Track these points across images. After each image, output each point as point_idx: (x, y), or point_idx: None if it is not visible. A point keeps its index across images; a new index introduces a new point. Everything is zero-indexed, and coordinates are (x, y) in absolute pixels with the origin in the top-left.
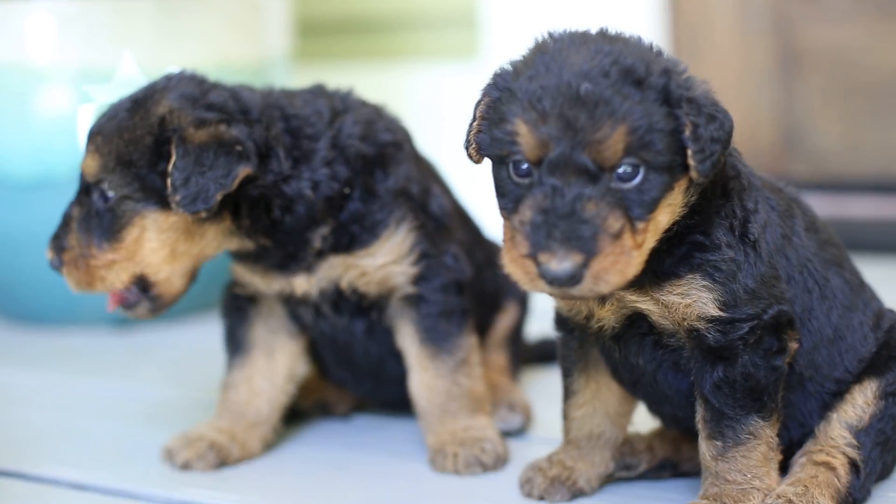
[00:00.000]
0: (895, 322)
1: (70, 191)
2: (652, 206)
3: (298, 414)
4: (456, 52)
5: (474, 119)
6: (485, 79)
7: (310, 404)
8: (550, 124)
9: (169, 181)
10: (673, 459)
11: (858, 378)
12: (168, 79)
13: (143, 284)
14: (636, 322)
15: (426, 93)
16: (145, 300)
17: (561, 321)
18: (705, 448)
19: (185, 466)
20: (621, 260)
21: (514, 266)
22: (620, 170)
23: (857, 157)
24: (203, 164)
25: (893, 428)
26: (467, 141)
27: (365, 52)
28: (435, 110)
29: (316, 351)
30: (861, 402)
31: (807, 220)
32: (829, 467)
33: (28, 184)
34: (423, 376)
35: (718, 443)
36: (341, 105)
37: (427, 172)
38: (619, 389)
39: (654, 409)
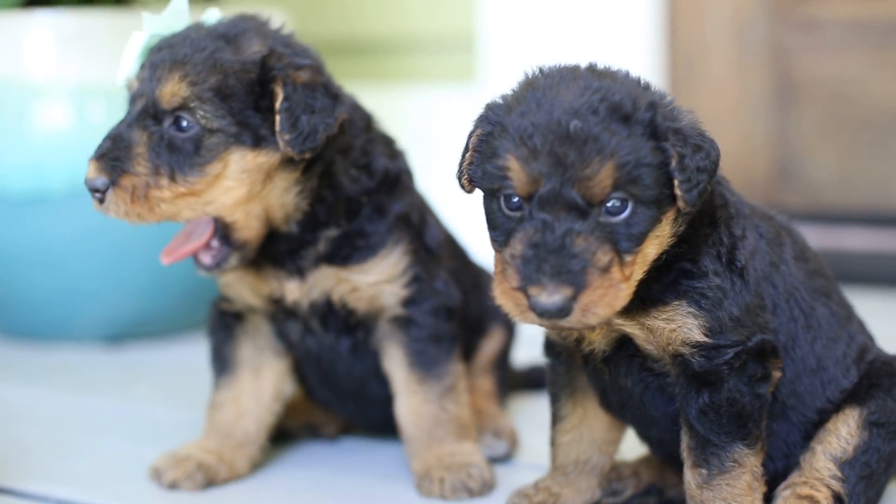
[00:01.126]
0: (878, 355)
1: (67, 207)
2: (640, 240)
3: (286, 435)
4: (453, 75)
5: (467, 150)
6: (480, 105)
7: (298, 425)
8: (541, 161)
9: (277, 119)
10: (658, 485)
11: (839, 406)
12: (245, 20)
13: (223, 233)
14: (625, 344)
15: (423, 115)
16: (233, 251)
17: (550, 346)
18: (690, 476)
19: (173, 486)
20: (610, 293)
21: (504, 298)
22: (609, 204)
23: (851, 189)
24: (311, 105)
25: (878, 461)
26: (460, 171)
27: (363, 73)
28: (432, 133)
29: (300, 371)
30: (845, 433)
31: (796, 248)
32: (814, 501)
33: (24, 199)
34: (411, 401)
35: (703, 470)
36: (372, 120)
37: (423, 204)
38: (606, 416)
39: (642, 432)
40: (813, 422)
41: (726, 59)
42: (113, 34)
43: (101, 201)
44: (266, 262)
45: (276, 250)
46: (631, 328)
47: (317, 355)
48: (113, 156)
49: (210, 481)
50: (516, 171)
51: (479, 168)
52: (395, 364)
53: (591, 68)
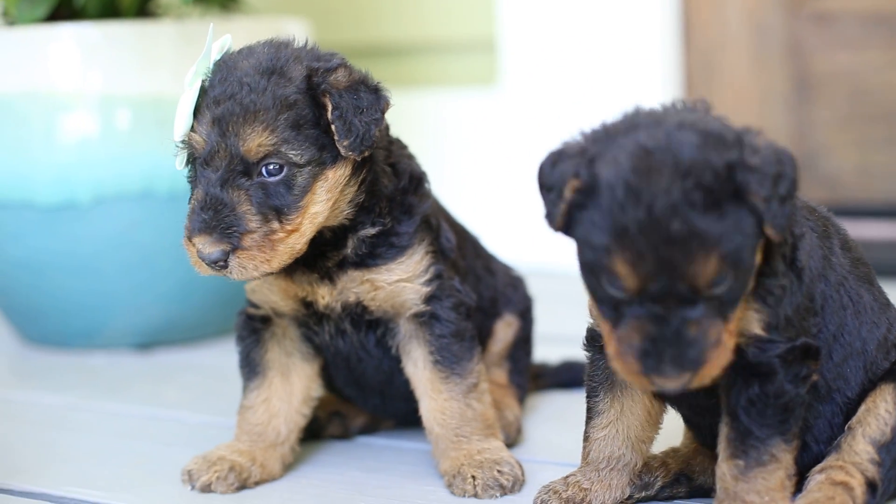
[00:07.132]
0: None
1: (94, 215)
2: (734, 304)
3: (316, 435)
4: (475, 79)
5: (561, 200)
6: (507, 107)
7: (327, 415)
8: (648, 264)
9: (333, 129)
10: (687, 473)
11: (875, 384)
12: (278, 47)
13: None
14: None
15: (445, 119)
16: None
17: (592, 339)
18: (726, 468)
19: (206, 489)
20: (723, 357)
21: (628, 377)
22: (716, 288)
23: (871, 182)
24: (358, 106)
25: None
26: (552, 218)
27: (384, 77)
28: (454, 136)
29: (327, 370)
30: (883, 412)
31: (840, 238)
32: (848, 488)
33: (52, 208)
34: (436, 400)
35: (741, 462)
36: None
37: (438, 207)
38: (642, 413)
39: (694, 421)
40: (855, 402)
41: (743, 55)
42: (136, 46)
43: (225, 267)
44: (298, 267)
45: (306, 254)
46: None
47: (346, 355)
48: (225, 224)
49: (243, 483)
50: (626, 275)
51: (577, 232)
52: (419, 365)
53: (680, 124)
